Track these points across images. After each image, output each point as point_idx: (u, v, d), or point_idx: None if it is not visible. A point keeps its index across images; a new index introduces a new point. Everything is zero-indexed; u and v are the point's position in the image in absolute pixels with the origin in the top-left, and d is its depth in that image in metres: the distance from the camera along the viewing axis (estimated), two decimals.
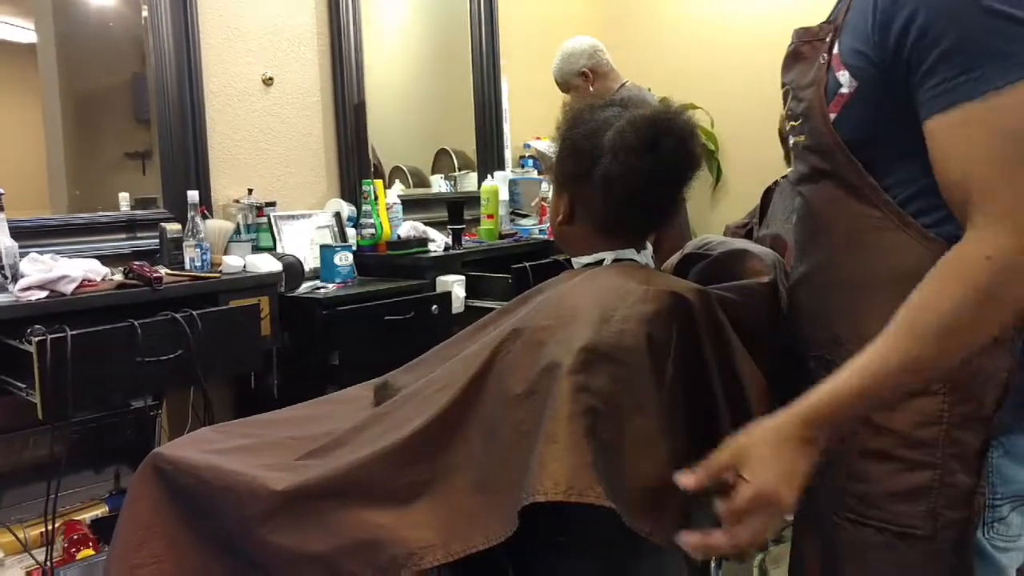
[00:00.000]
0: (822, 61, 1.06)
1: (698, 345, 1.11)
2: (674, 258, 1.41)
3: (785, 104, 1.18)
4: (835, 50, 1.04)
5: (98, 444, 2.47)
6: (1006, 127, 0.86)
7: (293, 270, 2.65)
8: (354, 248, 2.94)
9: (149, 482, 1.25)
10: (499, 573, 1.16)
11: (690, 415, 1.08)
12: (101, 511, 2.35)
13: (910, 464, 1.02)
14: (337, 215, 3.08)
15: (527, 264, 3.12)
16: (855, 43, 1.01)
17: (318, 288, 2.70)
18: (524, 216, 3.79)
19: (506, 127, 3.94)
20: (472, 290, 3.12)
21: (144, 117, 2.92)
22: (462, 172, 3.91)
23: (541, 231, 3.66)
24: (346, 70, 3.19)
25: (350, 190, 3.24)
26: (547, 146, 4.10)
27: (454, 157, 3.92)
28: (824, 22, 1.12)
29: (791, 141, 1.17)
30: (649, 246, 1.34)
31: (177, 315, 2.12)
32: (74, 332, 1.92)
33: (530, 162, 4.06)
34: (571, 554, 1.15)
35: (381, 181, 3.12)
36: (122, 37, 2.83)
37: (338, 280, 2.79)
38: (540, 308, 1.12)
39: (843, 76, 1.02)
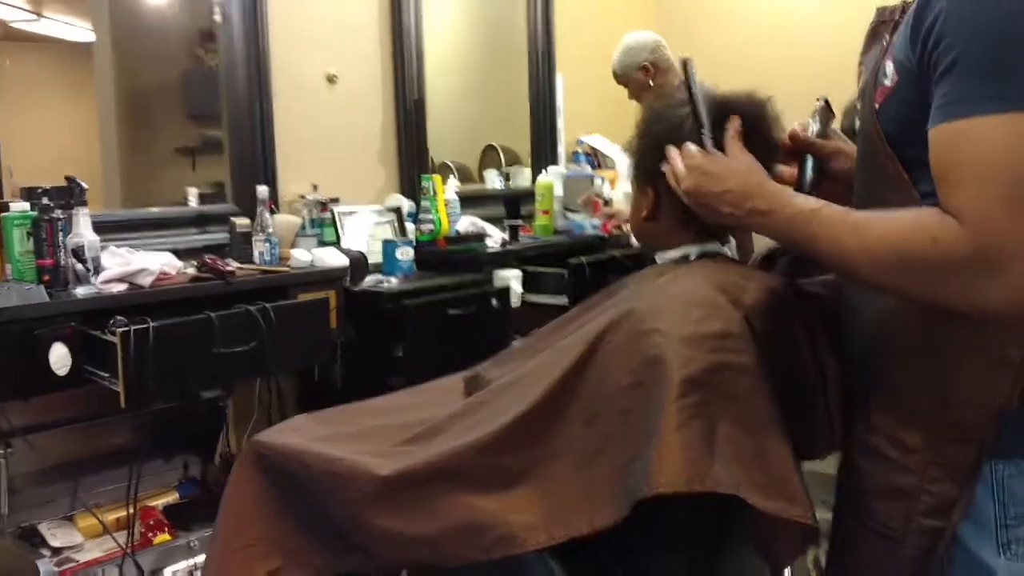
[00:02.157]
0: (884, 44, 1.05)
1: (792, 338, 1.13)
2: (756, 254, 1.43)
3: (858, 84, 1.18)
4: (894, 37, 1.03)
5: (168, 434, 2.53)
6: (995, 151, 0.86)
7: (358, 264, 2.70)
8: (414, 243, 2.98)
9: (250, 467, 1.29)
10: (596, 563, 1.18)
11: (783, 404, 1.09)
12: (172, 498, 2.41)
13: (896, 465, 1.04)
14: (397, 210, 3.12)
15: (583, 259, 3.14)
16: (902, 38, 0.99)
17: (381, 282, 2.74)
18: (574, 212, 3.81)
19: (560, 123, 3.95)
20: (528, 285, 3.15)
21: (195, 113, 3.00)
22: (512, 167, 3.93)
23: (594, 227, 3.68)
24: (407, 66, 3.23)
25: (409, 185, 3.27)
26: (601, 141, 4.12)
27: (501, 153, 3.94)
28: (903, 2, 1.09)
29: (857, 123, 1.16)
30: (732, 240, 1.36)
31: (251, 308, 2.17)
32: (156, 323, 1.98)
33: (582, 158, 4.07)
34: (662, 547, 1.16)
35: (439, 177, 3.16)
36: (175, 35, 2.90)
37: (399, 274, 2.83)
38: (638, 300, 1.15)
39: (889, 67, 1.01)
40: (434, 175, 3.13)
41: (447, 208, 3.17)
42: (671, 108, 1.31)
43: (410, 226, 3.15)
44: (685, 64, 1.24)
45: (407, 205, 3.16)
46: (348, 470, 1.19)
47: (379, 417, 1.36)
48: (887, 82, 1.00)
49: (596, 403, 1.09)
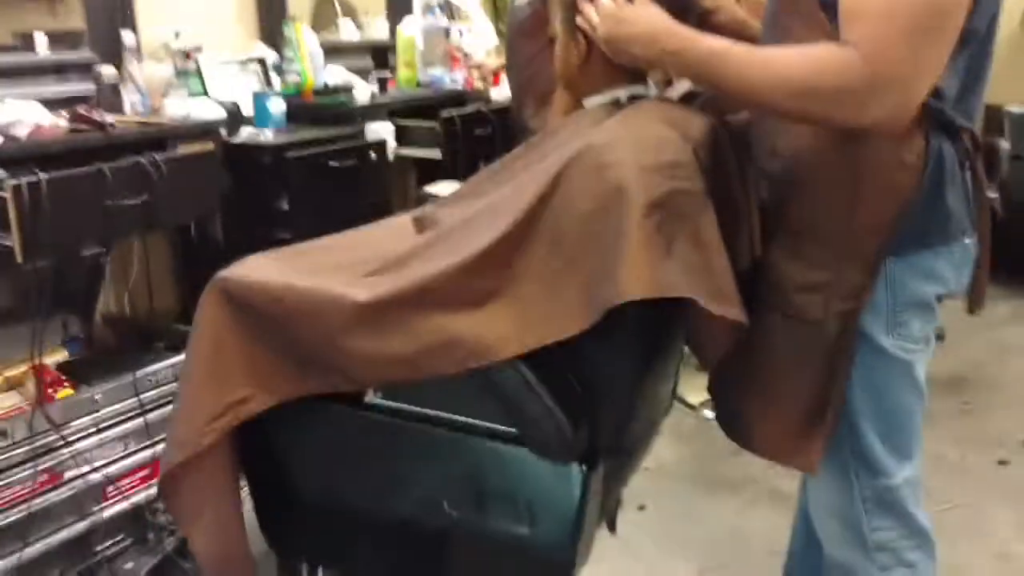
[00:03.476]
0: None
1: (726, 168, 1.30)
2: (676, 94, 1.56)
3: None
4: None
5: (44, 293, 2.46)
6: None
7: (233, 116, 2.65)
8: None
9: (216, 305, 1.34)
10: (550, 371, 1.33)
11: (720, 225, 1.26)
12: (62, 356, 2.37)
13: (815, 264, 1.26)
14: (262, 61, 3.04)
15: (455, 113, 3.21)
16: None
17: (257, 134, 2.71)
18: (432, 65, 3.83)
19: None
20: (400, 138, 3.19)
21: None
22: (366, 17, 3.86)
23: (453, 80, 3.72)
24: None
25: (269, 35, 3.18)
26: None
27: (336, 4, 3.82)
28: None
29: None
30: (652, 83, 1.49)
31: (142, 160, 2.13)
32: (47, 176, 1.92)
33: (436, 10, 4.04)
34: (610, 351, 1.32)
35: (300, 24, 3.08)
36: None
37: (271, 127, 2.80)
38: (591, 137, 1.26)
39: None
40: (295, 22, 3.06)
41: (310, 60, 3.12)
42: None
43: (274, 78, 3.08)
44: None
45: (271, 56, 3.08)
46: (322, 299, 1.27)
47: (336, 254, 1.43)
48: None
49: (561, 229, 1.21)
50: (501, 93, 3.91)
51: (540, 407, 1.25)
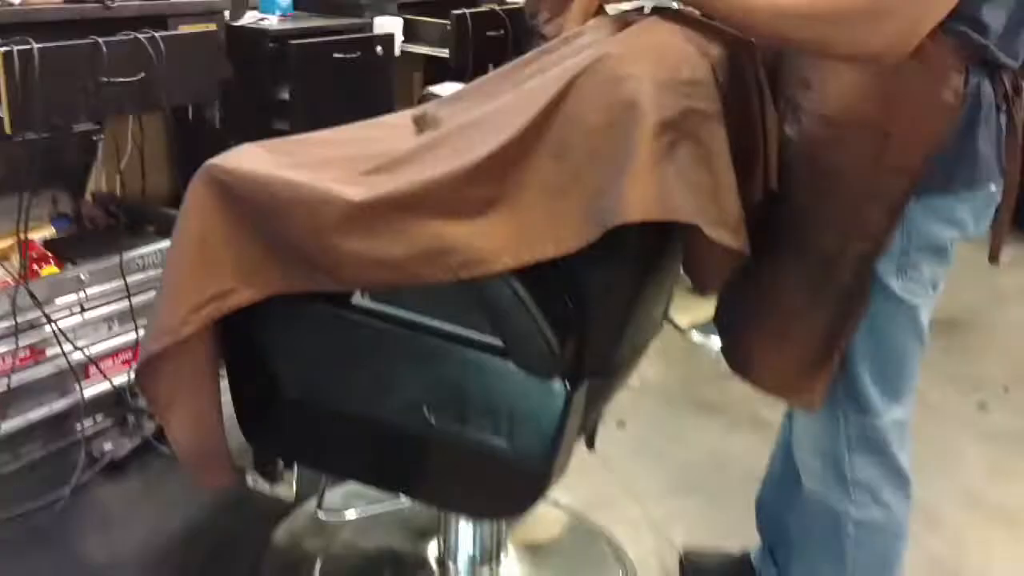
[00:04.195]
0: None
1: (745, 90, 1.25)
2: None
3: None
4: None
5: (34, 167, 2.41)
6: None
7: (239, 0, 2.56)
8: None
9: (206, 192, 1.30)
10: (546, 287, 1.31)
11: (733, 150, 1.22)
12: (49, 233, 2.34)
13: (836, 199, 1.22)
14: None
15: (467, 11, 3.10)
16: None
17: (262, 19, 2.62)
18: None
19: None
20: (408, 34, 3.09)
21: None
22: None
23: None
24: None
25: None
26: None
27: None
28: None
29: None
30: None
31: (140, 36, 2.05)
32: (40, 45, 1.85)
33: None
34: (604, 267, 1.30)
35: None
36: None
37: (278, 12, 2.71)
38: (610, 46, 1.21)
39: None
40: None
41: None
42: None
43: None
44: None
45: None
46: (317, 195, 1.23)
47: (333, 148, 1.39)
48: None
49: (568, 140, 1.17)
50: None
51: (528, 323, 1.23)
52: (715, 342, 2.94)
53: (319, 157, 1.35)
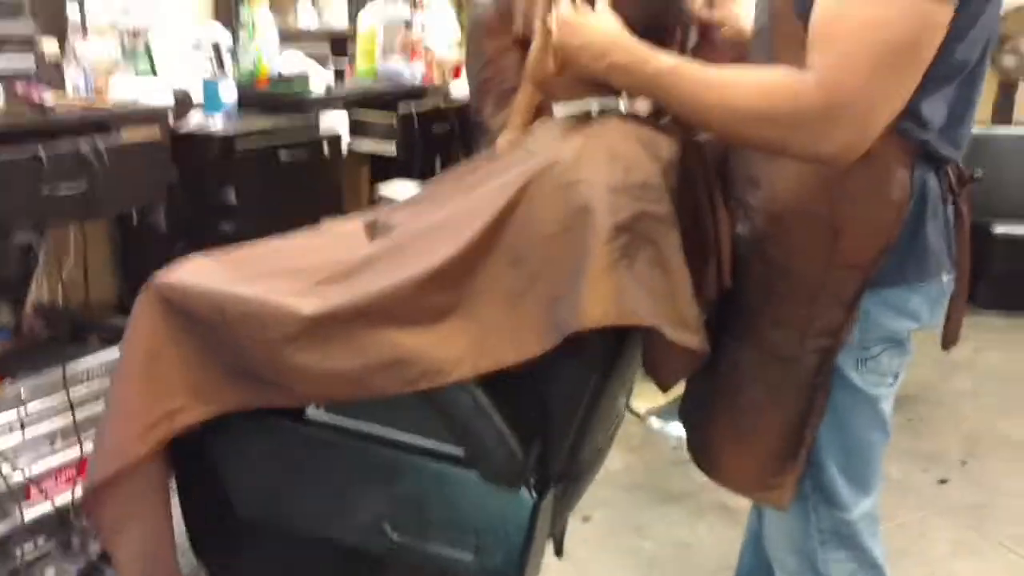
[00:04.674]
0: None
1: (695, 191, 1.26)
2: (643, 105, 1.51)
3: None
4: None
5: None
6: (865, 23, 1.01)
7: (183, 102, 2.55)
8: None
9: (153, 311, 1.27)
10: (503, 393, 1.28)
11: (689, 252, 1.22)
12: None
13: (790, 297, 1.22)
14: (215, 44, 2.93)
15: (413, 108, 3.13)
16: None
17: (206, 122, 2.61)
18: (390, 56, 3.75)
19: None
20: (354, 131, 3.11)
21: None
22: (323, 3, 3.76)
23: (412, 73, 3.64)
24: None
25: (224, 15, 3.07)
26: None
27: None
28: None
29: None
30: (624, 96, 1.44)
31: (82, 144, 2.02)
32: None
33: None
34: (566, 373, 1.28)
35: (258, 5, 2.98)
36: None
37: (223, 114, 2.70)
38: (560, 151, 1.21)
39: None
40: (252, 3, 2.96)
41: (267, 45, 3.03)
42: None
43: (227, 62, 2.98)
44: None
45: (225, 39, 2.98)
46: (267, 310, 1.20)
47: (283, 259, 1.36)
48: None
49: (523, 246, 1.16)
50: (461, 89, 3.84)
51: (492, 431, 1.20)
52: (674, 428, 2.97)
53: (269, 268, 1.33)
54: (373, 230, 1.40)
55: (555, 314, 1.13)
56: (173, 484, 1.39)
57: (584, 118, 1.34)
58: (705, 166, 1.29)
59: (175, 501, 1.39)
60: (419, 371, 1.16)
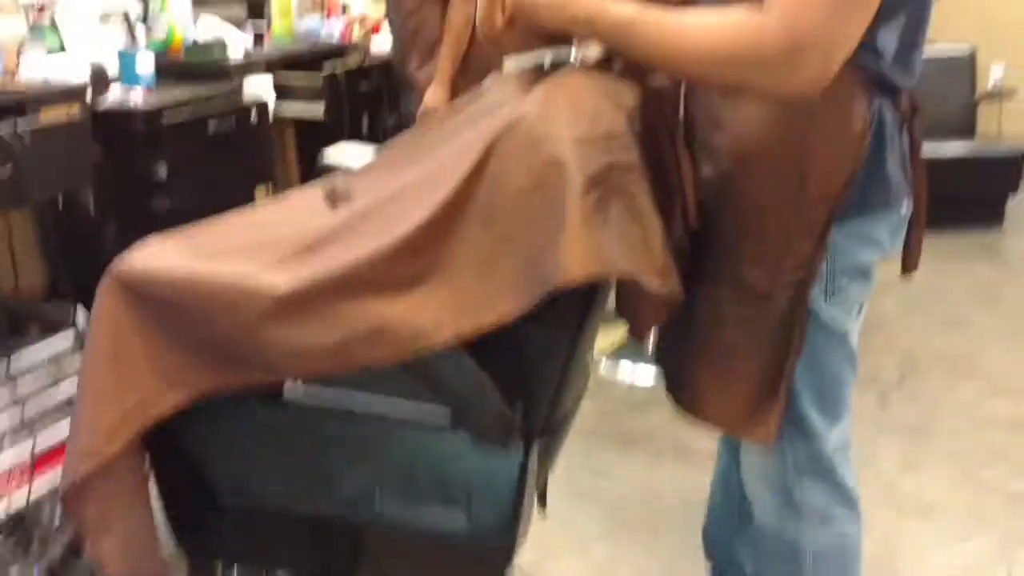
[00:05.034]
0: None
1: (658, 137, 1.25)
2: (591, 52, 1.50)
3: None
4: None
5: None
6: None
7: (99, 78, 2.44)
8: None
9: (115, 299, 1.22)
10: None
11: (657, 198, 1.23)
12: None
13: (762, 233, 1.25)
14: (125, 14, 2.81)
15: (338, 68, 3.07)
16: None
17: (126, 96, 2.51)
18: (306, 15, 3.66)
19: None
20: (280, 94, 3.02)
21: None
22: None
23: (329, 32, 3.56)
24: None
25: None
26: None
27: None
28: None
29: None
30: (576, 45, 1.42)
31: (2, 128, 1.93)
32: None
33: None
34: (540, 325, 1.28)
35: None
36: None
37: (141, 86, 2.60)
38: (524, 106, 1.19)
39: None
40: None
41: (179, 11, 2.92)
42: None
43: (139, 32, 2.86)
44: None
45: (135, 8, 2.86)
46: (240, 287, 1.17)
47: (244, 233, 1.32)
48: None
49: (495, 206, 1.15)
50: (382, 45, 3.77)
51: (479, 392, 1.20)
52: (626, 369, 3.01)
53: (232, 244, 1.29)
54: (334, 198, 1.37)
55: (533, 271, 1.12)
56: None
57: (537, 71, 1.33)
58: (663, 111, 1.30)
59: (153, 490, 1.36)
60: (400, 338, 1.15)
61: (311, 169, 3.61)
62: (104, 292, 1.22)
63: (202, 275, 1.19)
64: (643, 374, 2.95)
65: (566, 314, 1.28)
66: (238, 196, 2.79)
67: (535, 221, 1.13)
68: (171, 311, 1.21)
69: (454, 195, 1.16)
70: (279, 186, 2.97)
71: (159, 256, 1.25)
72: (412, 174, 1.27)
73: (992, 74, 4.79)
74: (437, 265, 1.17)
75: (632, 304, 1.31)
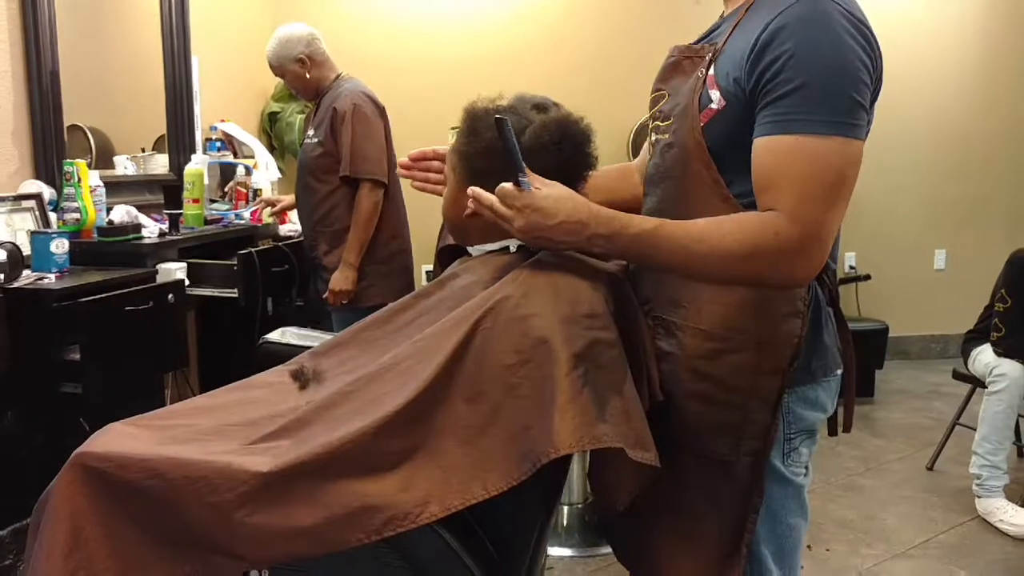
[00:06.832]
0: (699, 75, 1.30)
1: (629, 313, 1.33)
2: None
3: (654, 106, 1.42)
4: (711, 71, 1.28)
5: None
6: (814, 165, 1.17)
7: (14, 259, 2.38)
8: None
9: (77, 484, 1.16)
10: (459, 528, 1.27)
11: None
12: None
13: (724, 406, 1.34)
14: (37, 197, 2.78)
15: (253, 251, 3.09)
16: (731, 69, 1.25)
17: (41, 278, 2.45)
18: (214, 201, 3.70)
19: (197, 108, 3.77)
20: (193, 278, 3.01)
21: None
22: (146, 153, 3.67)
23: (239, 216, 3.61)
24: (40, 37, 2.87)
25: (47, 170, 2.92)
26: (235, 129, 4.00)
27: (90, 137, 3.41)
28: (704, 41, 1.36)
29: (654, 138, 1.41)
30: None
31: None
32: None
33: (216, 145, 3.93)
34: (517, 501, 1.28)
35: (84, 162, 2.86)
36: None
37: (55, 270, 2.54)
38: (507, 288, 1.24)
39: (715, 94, 1.26)
40: (77, 160, 2.84)
41: (93, 196, 2.90)
42: (491, 113, 1.35)
43: (53, 216, 2.83)
44: (500, 124, 1.26)
45: (48, 192, 2.83)
46: (215, 471, 1.14)
47: (211, 416, 1.29)
48: (713, 105, 1.25)
49: (481, 382, 1.18)
50: (290, 229, 3.84)
51: (462, 571, 1.18)
52: None
53: (199, 428, 1.26)
54: (302, 378, 1.37)
55: (524, 445, 1.14)
56: None
57: (503, 252, 1.40)
58: (625, 292, 1.38)
59: None
60: (386, 517, 1.13)
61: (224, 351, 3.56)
62: (62, 480, 1.17)
63: (174, 457, 1.16)
64: None
65: (545, 481, 1.29)
66: (150, 377, 2.73)
67: (524, 395, 1.16)
68: (140, 497, 1.16)
69: (440, 371, 1.18)
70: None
71: (123, 440, 1.21)
72: (390, 354, 1.29)
73: (847, 261, 5.27)
74: (422, 441, 1.17)
75: (611, 478, 1.33)
